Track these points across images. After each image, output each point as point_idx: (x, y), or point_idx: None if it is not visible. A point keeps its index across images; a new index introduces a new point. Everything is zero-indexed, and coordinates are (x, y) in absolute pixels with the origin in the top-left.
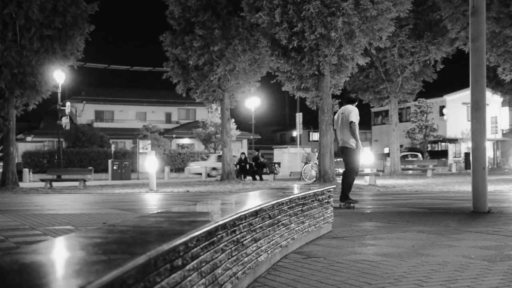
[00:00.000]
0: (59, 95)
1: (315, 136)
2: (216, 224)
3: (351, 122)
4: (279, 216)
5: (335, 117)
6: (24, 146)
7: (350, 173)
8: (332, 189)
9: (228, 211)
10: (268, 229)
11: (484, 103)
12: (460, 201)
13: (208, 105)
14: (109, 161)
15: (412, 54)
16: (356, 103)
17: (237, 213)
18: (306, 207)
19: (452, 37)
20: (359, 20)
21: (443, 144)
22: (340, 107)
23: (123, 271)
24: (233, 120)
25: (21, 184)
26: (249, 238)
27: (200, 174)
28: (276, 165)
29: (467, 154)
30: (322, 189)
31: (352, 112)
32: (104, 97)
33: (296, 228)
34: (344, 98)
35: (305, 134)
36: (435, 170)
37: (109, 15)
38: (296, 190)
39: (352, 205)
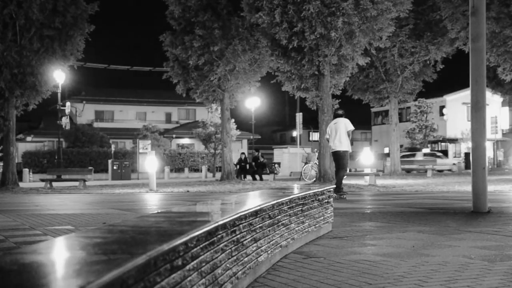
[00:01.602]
0: (59, 95)
1: (315, 136)
2: (216, 224)
3: (351, 130)
4: (279, 216)
5: (328, 129)
6: (24, 146)
7: (345, 171)
8: (332, 189)
9: (228, 211)
10: (268, 229)
11: (484, 103)
12: (460, 201)
13: (208, 105)
14: (109, 161)
15: (412, 54)
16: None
17: (237, 213)
18: (306, 207)
19: (452, 37)
20: (359, 20)
21: (443, 144)
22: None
23: (123, 271)
24: (233, 120)
25: (21, 184)
26: (249, 238)
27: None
28: (276, 165)
29: (467, 154)
30: (322, 189)
31: (349, 122)
32: (104, 97)
33: (296, 228)
34: (334, 113)
35: (305, 134)
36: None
37: (109, 15)
38: (296, 190)
39: (343, 196)
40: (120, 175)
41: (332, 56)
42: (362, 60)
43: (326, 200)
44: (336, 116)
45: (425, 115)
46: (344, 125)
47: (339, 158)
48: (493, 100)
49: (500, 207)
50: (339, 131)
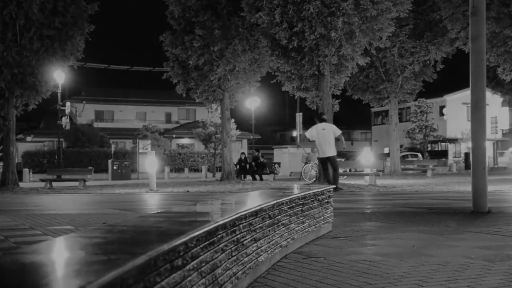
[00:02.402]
0: (59, 95)
1: None
2: (216, 224)
3: (341, 134)
4: (279, 216)
5: (314, 133)
6: (24, 146)
7: (338, 172)
8: (332, 189)
9: (228, 211)
10: (268, 229)
11: (484, 103)
12: (460, 201)
13: (208, 105)
14: (109, 161)
15: (412, 54)
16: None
17: (237, 213)
18: (306, 207)
19: (452, 37)
20: (359, 20)
21: (443, 144)
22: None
23: (123, 271)
24: (233, 120)
25: (21, 184)
26: (249, 238)
27: None
28: (276, 165)
29: (467, 154)
30: (322, 189)
31: (336, 128)
32: (104, 97)
33: (296, 228)
34: (317, 116)
35: None
36: (435, 170)
37: (109, 15)
38: (296, 190)
39: (340, 189)
40: (120, 175)
41: (332, 56)
42: (362, 60)
43: (326, 200)
44: (322, 120)
45: (425, 115)
46: (332, 132)
47: (333, 162)
48: (493, 100)
49: (500, 207)
50: (328, 137)
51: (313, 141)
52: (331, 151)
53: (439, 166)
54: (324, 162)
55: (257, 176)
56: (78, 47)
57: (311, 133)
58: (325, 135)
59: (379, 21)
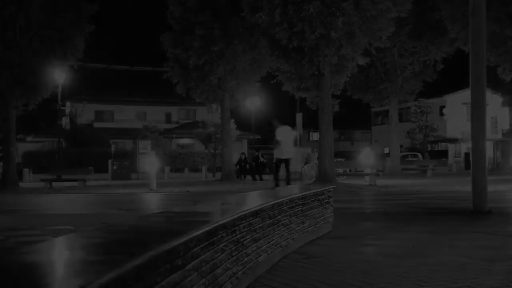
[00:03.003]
0: (59, 95)
1: (315, 136)
2: (216, 224)
3: (297, 139)
4: (279, 216)
5: (282, 135)
6: (24, 146)
7: (290, 173)
8: (332, 189)
9: (228, 211)
10: (268, 229)
11: (484, 103)
12: (460, 201)
13: (208, 105)
14: (109, 161)
15: (412, 54)
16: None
17: (237, 213)
18: (306, 207)
19: (452, 37)
20: (359, 20)
21: (443, 144)
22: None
23: (123, 271)
24: (233, 120)
25: (21, 184)
26: (249, 238)
27: None
28: None
29: (467, 154)
30: (322, 189)
31: (293, 131)
32: (104, 97)
33: (296, 228)
34: (277, 120)
35: (305, 134)
36: (435, 170)
37: (109, 15)
38: (296, 190)
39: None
40: (120, 175)
41: (332, 56)
42: (362, 60)
43: (326, 200)
44: (283, 124)
45: (425, 115)
46: (293, 135)
47: (288, 165)
48: (493, 100)
49: (500, 207)
50: (290, 140)
51: (279, 141)
52: (291, 154)
53: (439, 166)
54: (280, 163)
55: (257, 176)
56: (78, 47)
57: (281, 135)
58: (288, 138)
59: (379, 21)
